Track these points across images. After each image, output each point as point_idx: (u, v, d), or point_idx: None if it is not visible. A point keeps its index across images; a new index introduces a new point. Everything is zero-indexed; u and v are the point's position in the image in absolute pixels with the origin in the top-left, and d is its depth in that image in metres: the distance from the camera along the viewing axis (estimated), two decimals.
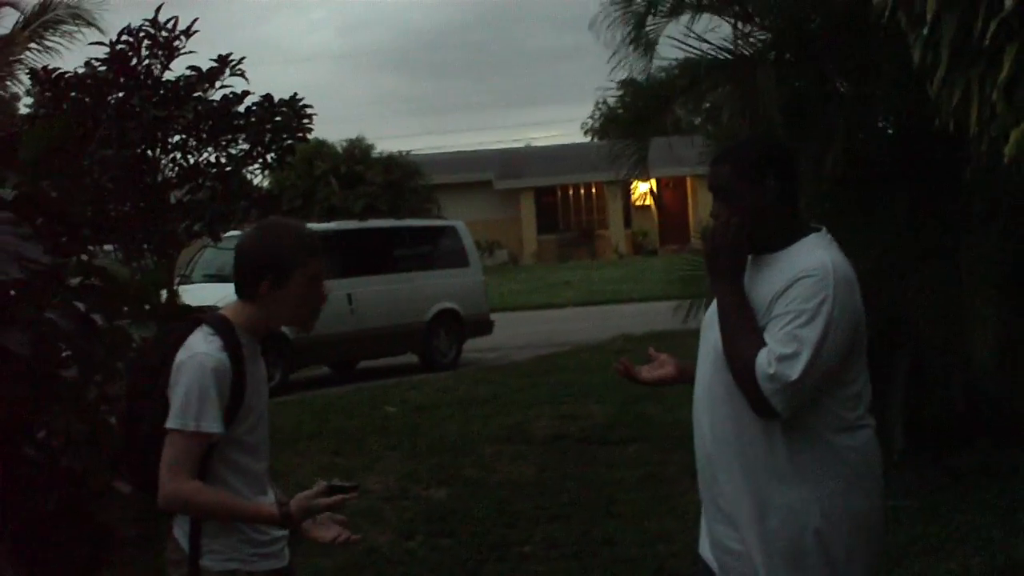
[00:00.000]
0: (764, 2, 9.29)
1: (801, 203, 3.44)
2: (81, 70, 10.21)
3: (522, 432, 10.82)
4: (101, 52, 10.18)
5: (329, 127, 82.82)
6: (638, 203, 43.90)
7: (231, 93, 10.54)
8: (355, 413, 12.57)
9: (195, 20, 10.11)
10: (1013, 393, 7.84)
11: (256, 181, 12.09)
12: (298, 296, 3.46)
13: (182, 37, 10.15)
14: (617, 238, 43.62)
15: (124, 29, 10.05)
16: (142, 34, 10.04)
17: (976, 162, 6.81)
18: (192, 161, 10.70)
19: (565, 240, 44.32)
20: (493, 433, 10.87)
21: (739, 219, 3.33)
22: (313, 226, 16.67)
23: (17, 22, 18.44)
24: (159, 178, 10.52)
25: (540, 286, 31.92)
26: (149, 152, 10.41)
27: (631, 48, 10.08)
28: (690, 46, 9.72)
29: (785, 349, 3.12)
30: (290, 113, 10.80)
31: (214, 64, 10.34)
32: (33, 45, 18.33)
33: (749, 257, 3.38)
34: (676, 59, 9.97)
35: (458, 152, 49.13)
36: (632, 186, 39.69)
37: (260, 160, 10.89)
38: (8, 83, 17.73)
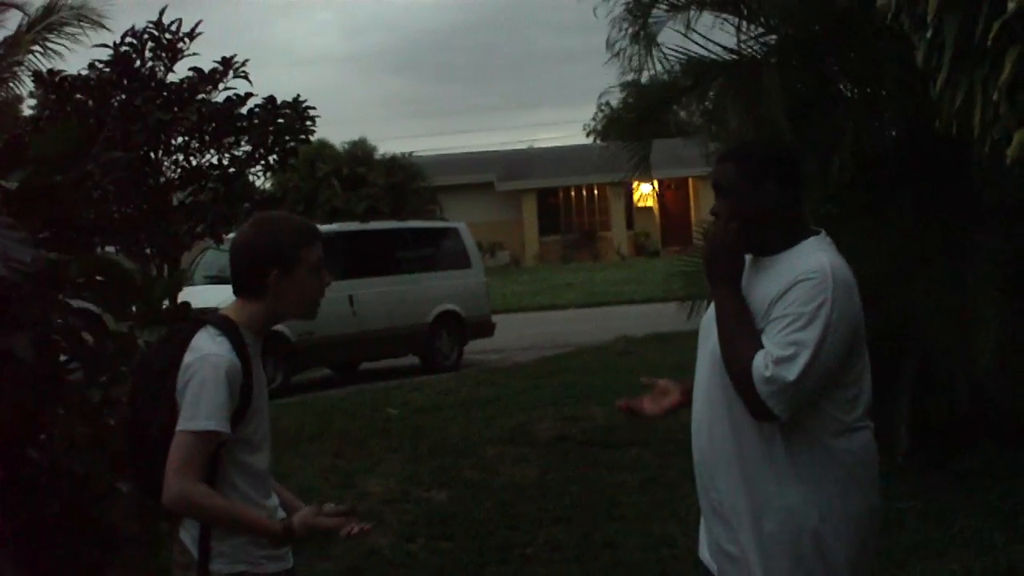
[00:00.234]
0: (768, 4, 9.29)
1: (804, 206, 3.42)
2: (85, 72, 10.22)
3: (524, 434, 10.81)
4: (105, 54, 10.20)
5: (333, 129, 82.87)
6: (640, 204, 43.88)
7: (234, 95, 10.54)
8: (357, 415, 12.56)
9: (199, 22, 10.14)
10: (1017, 396, 7.84)
11: (258, 183, 12.09)
12: (303, 285, 3.49)
13: (186, 39, 10.17)
14: (619, 239, 43.61)
15: (128, 31, 10.07)
16: (146, 36, 10.06)
17: (979, 164, 6.81)
18: (195, 163, 10.71)
19: (567, 242, 44.32)
20: (495, 435, 10.87)
21: (737, 223, 3.34)
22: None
23: (21, 24, 18.46)
24: (161, 180, 10.53)
25: (542, 288, 31.92)
26: (152, 154, 10.41)
27: (634, 46, 10.08)
28: (695, 42, 9.73)
29: (783, 352, 3.12)
30: (293, 115, 10.81)
31: (217, 66, 10.35)
32: (36, 47, 18.35)
33: (749, 258, 3.39)
34: (680, 59, 9.97)
35: (460, 154, 49.15)
36: (634, 187, 39.70)
37: (262, 162, 10.90)
38: (11, 85, 17.76)
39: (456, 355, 17.84)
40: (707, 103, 10.79)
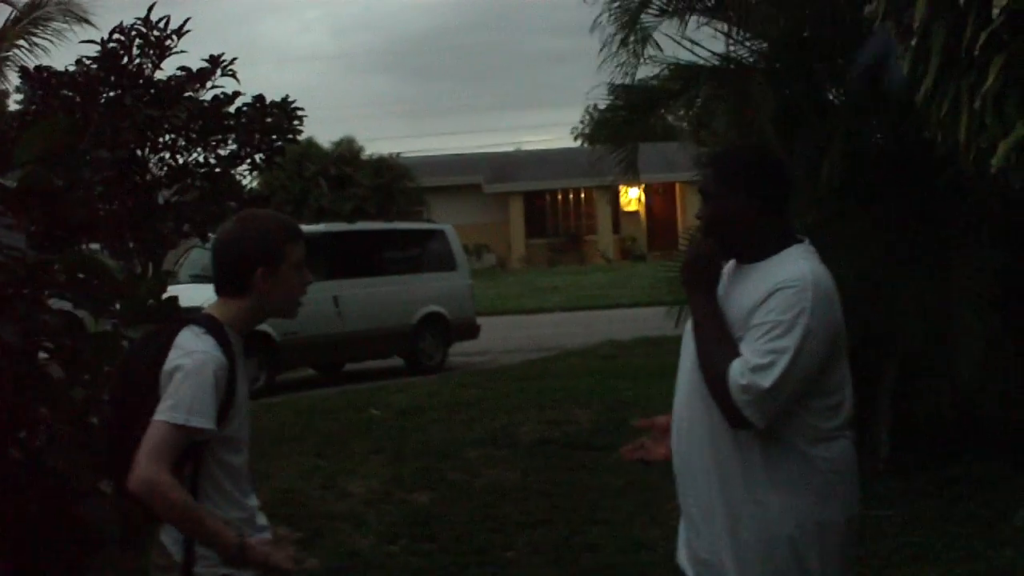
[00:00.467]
0: (757, 10, 9.31)
1: (787, 214, 3.42)
2: (72, 68, 10.19)
3: (507, 437, 10.81)
4: (92, 51, 10.16)
5: (320, 128, 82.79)
6: (627, 208, 43.92)
7: (222, 94, 10.52)
8: (340, 416, 12.54)
9: (187, 20, 10.10)
10: (999, 404, 7.87)
11: (245, 182, 12.06)
12: (287, 283, 3.48)
13: (174, 36, 10.13)
14: (605, 243, 43.64)
15: (116, 28, 10.02)
16: (134, 33, 10.02)
17: (964, 173, 6.83)
18: (181, 161, 10.68)
19: (553, 245, 44.33)
20: (478, 437, 10.86)
21: (713, 229, 3.37)
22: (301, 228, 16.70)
23: (8, 18, 18.40)
24: (148, 178, 10.50)
25: (528, 290, 31.94)
26: (139, 151, 10.39)
27: (622, 46, 10.09)
28: (684, 47, 9.75)
29: (760, 359, 3.13)
30: (281, 115, 10.79)
31: (205, 64, 10.32)
32: (21, 42, 18.28)
33: (732, 265, 3.41)
34: (668, 63, 9.99)
35: (448, 155, 49.12)
36: (621, 191, 39.75)
37: (248, 160, 10.87)
38: None
39: (440, 357, 17.83)
40: (695, 108, 10.82)
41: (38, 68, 10.44)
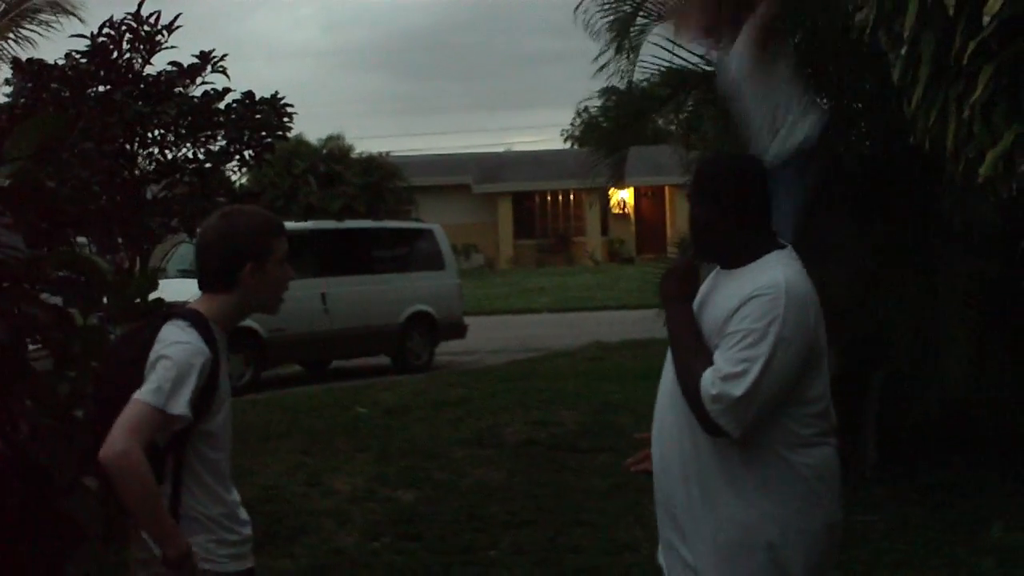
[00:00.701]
0: None
1: (765, 221, 3.41)
2: (61, 62, 10.15)
3: (493, 437, 10.81)
4: (81, 44, 10.13)
5: (310, 125, 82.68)
6: (616, 211, 43.96)
7: (211, 90, 10.50)
8: (326, 413, 12.53)
9: (178, 15, 10.07)
10: (985, 411, 7.89)
11: (235, 178, 12.05)
12: (273, 278, 3.50)
13: (164, 32, 10.10)
14: (593, 245, 43.69)
15: (106, 22, 9.99)
16: (124, 27, 9.99)
17: (952, 181, 6.85)
18: (170, 157, 10.66)
19: (542, 246, 44.38)
20: (464, 437, 10.86)
21: (694, 238, 3.42)
22: (290, 225, 16.71)
23: None
24: (136, 173, 10.48)
25: (515, 291, 31.96)
26: (128, 147, 10.36)
27: (615, 52, 10.11)
28: (674, 53, 9.76)
29: (732, 368, 3.14)
30: (270, 111, 10.77)
31: (196, 60, 10.30)
32: (10, 35, 18.22)
33: (716, 270, 3.43)
34: (659, 69, 10.00)
35: (437, 155, 49.15)
36: (610, 194, 39.79)
37: (238, 157, 10.86)
38: None
39: (427, 356, 17.84)
40: (685, 112, 10.84)
41: (29, 61, 10.41)
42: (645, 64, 10.08)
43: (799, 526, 3.24)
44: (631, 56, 10.10)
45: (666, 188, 41.91)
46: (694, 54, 9.73)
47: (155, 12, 9.97)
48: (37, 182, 3.96)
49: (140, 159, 10.56)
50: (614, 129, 10.80)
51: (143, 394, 3.20)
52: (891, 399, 8.09)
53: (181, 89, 10.43)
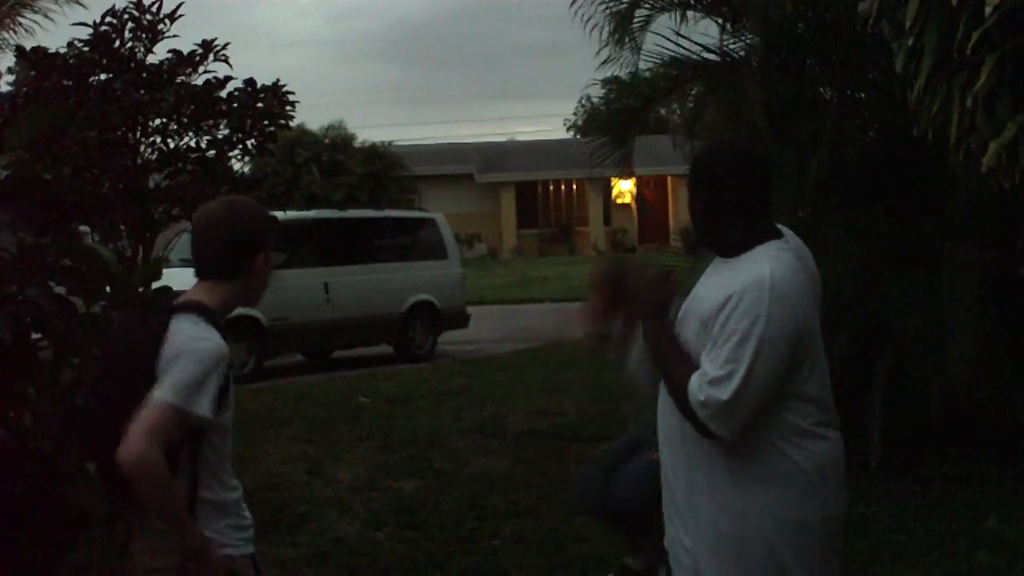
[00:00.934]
0: (752, 5, 9.31)
1: (757, 212, 3.37)
2: (63, 50, 10.14)
3: (495, 426, 10.82)
4: (82, 33, 10.11)
5: (313, 114, 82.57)
6: (619, 201, 43.92)
7: (213, 78, 10.49)
8: (328, 402, 12.56)
9: (180, 4, 10.05)
10: (989, 403, 7.89)
11: (237, 167, 12.04)
12: (266, 268, 3.50)
13: (166, 20, 10.09)
14: (596, 235, 43.65)
15: (108, 11, 9.97)
16: (126, 16, 9.98)
17: (955, 172, 6.85)
18: (172, 145, 10.65)
19: (544, 236, 44.33)
20: (465, 426, 10.88)
21: (663, 263, 3.49)
22: (292, 214, 16.71)
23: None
24: (138, 161, 10.47)
25: (518, 280, 31.94)
26: (130, 135, 10.35)
27: (616, 45, 10.08)
28: (676, 43, 9.74)
29: (717, 371, 3.14)
30: (272, 99, 10.76)
31: (198, 49, 10.29)
32: (8, 22, 18.17)
33: (716, 259, 3.43)
34: (662, 58, 9.99)
35: (440, 144, 49.03)
36: (612, 184, 39.75)
37: (240, 146, 10.85)
38: None
39: (430, 345, 17.84)
40: (688, 102, 10.83)
41: (33, 49, 10.39)
42: (648, 54, 10.06)
43: (797, 519, 3.23)
44: (632, 47, 10.07)
45: (668, 178, 41.85)
46: (696, 44, 9.74)
47: (157, 0, 9.96)
48: (34, 173, 3.96)
49: (143, 148, 10.55)
50: (617, 120, 10.77)
51: (165, 393, 3.16)
52: (895, 393, 8.08)
53: (184, 78, 10.42)
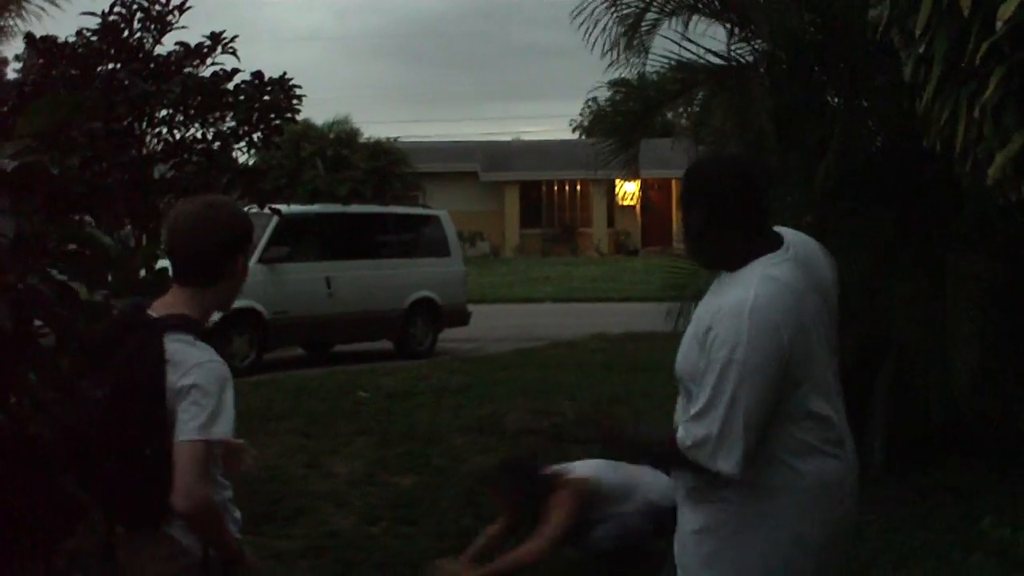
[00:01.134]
0: (761, 11, 9.30)
1: (752, 226, 3.31)
2: (72, 39, 10.14)
3: (493, 424, 10.81)
4: (90, 22, 10.10)
5: (319, 109, 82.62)
6: (623, 203, 43.93)
7: (220, 70, 10.48)
8: (327, 396, 12.56)
9: None
10: (990, 413, 7.88)
11: (242, 160, 12.03)
12: (247, 272, 3.47)
13: (175, 12, 10.09)
14: (599, 236, 43.67)
15: (117, 1, 9.98)
16: (135, 7, 9.98)
17: (961, 181, 6.84)
18: (178, 136, 10.64)
19: (547, 236, 44.35)
20: (464, 424, 10.88)
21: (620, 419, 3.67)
22: (296, 208, 16.71)
23: None
24: (144, 151, 10.46)
25: (520, 280, 31.95)
26: (136, 125, 10.35)
27: (624, 48, 10.06)
28: (684, 48, 9.73)
29: (699, 407, 3.12)
30: (279, 93, 10.75)
31: (206, 41, 10.28)
32: (15, 7, 18.20)
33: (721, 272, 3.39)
34: (669, 61, 9.97)
35: (445, 142, 49.05)
36: (617, 185, 39.77)
37: (246, 139, 10.84)
38: None
39: (430, 342, 17.87)
40: (695, 106, 10.81)
41: (43, 38, 10.39)
42: (655, 57, 10.04)
43: (792, 534, 3.20)
44: (640, 49, 10.05)
45: (673, 181, 41.82)
46: (704, 48, 9.72)
47: None
48: (40, 165, 3.95)
49: (148, 139, 10.54)
50: (624, 123, 10.77)
51: (196, 432, 3.16)
52: (897, 401, 8.08)
53: (191, 69, 10.41)
